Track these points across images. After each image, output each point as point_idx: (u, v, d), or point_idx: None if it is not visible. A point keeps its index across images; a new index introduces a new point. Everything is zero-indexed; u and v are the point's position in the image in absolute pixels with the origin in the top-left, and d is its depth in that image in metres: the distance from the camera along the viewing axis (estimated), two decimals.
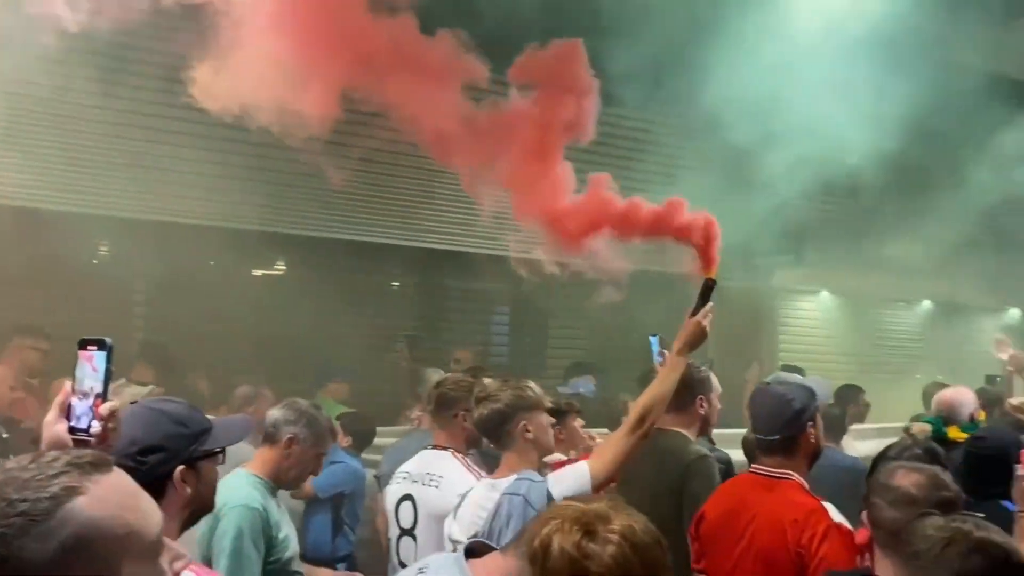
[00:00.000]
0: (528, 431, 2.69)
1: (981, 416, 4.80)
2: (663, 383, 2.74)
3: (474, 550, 1.73)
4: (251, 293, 6.98)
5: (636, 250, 3.42)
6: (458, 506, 2.71)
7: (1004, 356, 6.22)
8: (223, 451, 1.89)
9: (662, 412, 2.73)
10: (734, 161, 5.62)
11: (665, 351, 3.10)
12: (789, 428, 2.52)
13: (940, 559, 1.52)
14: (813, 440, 2.56)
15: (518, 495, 2.39)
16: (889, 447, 3.10)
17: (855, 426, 5.93)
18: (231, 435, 1.92)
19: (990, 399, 5.49)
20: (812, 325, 9.54)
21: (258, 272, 7.71)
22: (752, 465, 2.64)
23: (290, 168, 4.98)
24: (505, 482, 2.52)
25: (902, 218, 9.33)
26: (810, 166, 5.64)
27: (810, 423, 2.55)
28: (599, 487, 2.58)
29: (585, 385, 6.06)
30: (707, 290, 2.92)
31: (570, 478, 2.54)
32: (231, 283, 6.74)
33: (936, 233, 9.31)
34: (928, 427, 4.82)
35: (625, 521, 1.25)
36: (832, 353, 9.43)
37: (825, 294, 9.58)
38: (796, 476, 2.52)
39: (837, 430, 5.18)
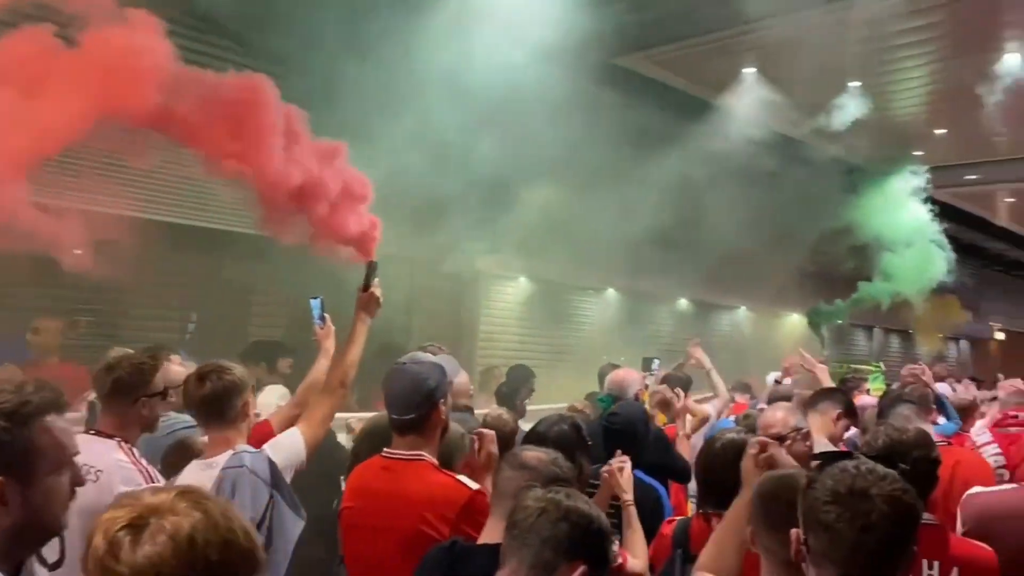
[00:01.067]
0: (247, 407, 2.76)
1: (644, 396, 5.33)
2: (354, 348, 3.15)
3: None
4: None
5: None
6: None
7: (696, 354, 6.88)
8: None
9: (355, 373, 3.12)
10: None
11: (327, 315, 3.46)
12: (424, 406, 2.59)
13: (533, 527, 1.63)
14: (444, 417, 2.67)
15: (242, 467, 2.52)
16: (540, 421, 3.31)
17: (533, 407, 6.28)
18: None
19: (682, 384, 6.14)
20: (511, 309, 10.05)
21: None
22: (384, 450, 2.67)
23: None
24: (222, 459, 2.58)
25: (595, 211, 10.17)
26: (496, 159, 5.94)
27: (442, 400, 2.65)
28: (313, 448, 2.84)
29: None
30: (371, 269, 3.37)
31: (286, 444, 2.79)
32: None
33: (621, 228, 10.25)
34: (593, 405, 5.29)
35: (182, 518, 1.08)
36: (528, 336, 10.06)
37: (523, 280, 10.11)
38: (428, 456, 2.58)
39: (515, 411, 5.49)
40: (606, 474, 3.16)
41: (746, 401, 7.49)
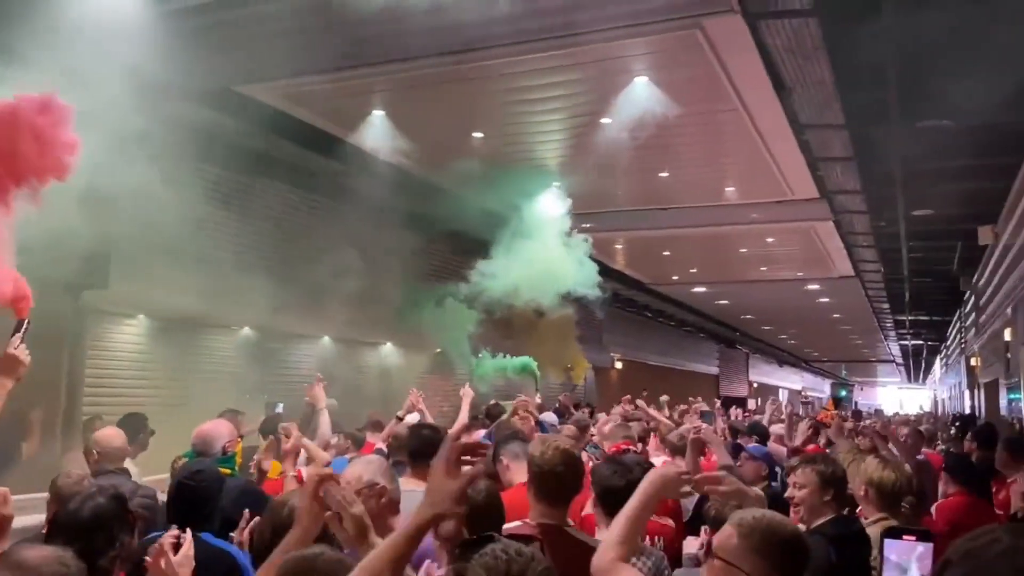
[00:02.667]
0: None
1: (237, 448, 4.98)
2: None
3: None
4: None
5: None
6: None
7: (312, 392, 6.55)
8: None
9: None
10: None
11: None
12: None
13: None
14: None
15: None
16: (74, 497, 2.89)
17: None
18: None
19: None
20: (128, 351, 9.08)
21: None
22: None
23: None
24: None
25: (229, 245, 9.62)
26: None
27: None
28: None
29: None
30: (19, 326, 3.34)
31: None
32: None
33: (258, 262, 9.81)
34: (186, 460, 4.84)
35: None
36: (150, 381, 9.14)
37: (143, 317, 9.22)
38: None
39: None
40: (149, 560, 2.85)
41: (377, 440, 7.45)
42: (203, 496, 3.47)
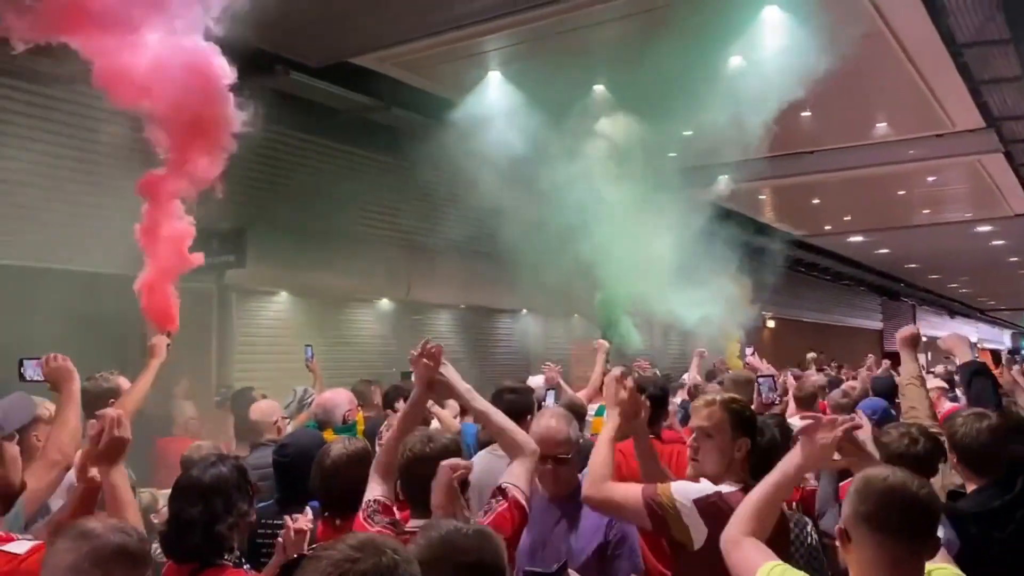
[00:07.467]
0: None
1: (359, 418, 4.94)
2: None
3: None
4: None
5: None
6: None
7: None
8: None
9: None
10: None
11: None
12: None
13: None
14: None
15: None
16: (196, 464, 2.90)
17: None
18: None
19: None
20: (272, 326, 9.44)
21: None
22: None
23: None
24: None
25: (358, 219, 9.78)
26: None
27: None
28: None
29: None
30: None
31: None
32: None
33: (388, 234, 9.91)
34: None
35: None
36: (294, 354, 9.46)
37: (284, 294, 9.54)
38: None
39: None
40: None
41: None
42: (298, 468, 3.40)
